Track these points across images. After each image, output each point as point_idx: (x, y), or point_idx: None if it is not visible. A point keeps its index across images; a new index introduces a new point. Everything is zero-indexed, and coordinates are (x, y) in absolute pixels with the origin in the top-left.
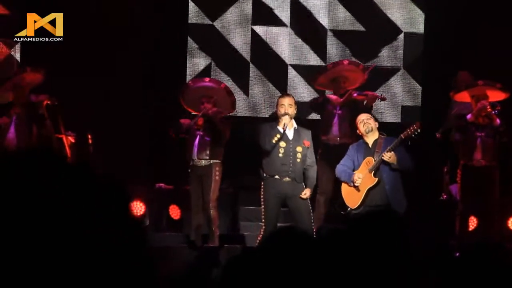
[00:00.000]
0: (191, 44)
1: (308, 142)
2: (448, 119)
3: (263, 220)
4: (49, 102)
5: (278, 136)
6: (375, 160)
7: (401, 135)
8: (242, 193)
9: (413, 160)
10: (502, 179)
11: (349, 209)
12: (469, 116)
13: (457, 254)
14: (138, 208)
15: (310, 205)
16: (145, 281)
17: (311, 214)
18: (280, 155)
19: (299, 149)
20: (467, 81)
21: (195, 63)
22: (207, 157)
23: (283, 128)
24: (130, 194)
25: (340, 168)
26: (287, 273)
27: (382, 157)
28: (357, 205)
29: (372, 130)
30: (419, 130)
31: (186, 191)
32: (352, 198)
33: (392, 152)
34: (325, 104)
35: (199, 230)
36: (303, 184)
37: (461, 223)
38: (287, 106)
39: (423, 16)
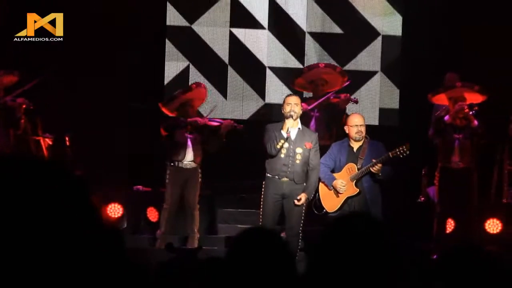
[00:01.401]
0: (169, 47)
1: (310, 144)
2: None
3: (260, 220)
4: (25, 106)
5: (283, 141)
6: (358, 168)
7: (390, 153)
8: (220, 195)
9: (394, 168)
10: (480, 181)
11: (324, 211)
12: (446, 117)
13: (435, 256)
14: (116, 210)
15: (304, 208)
16: (124, 282)
17: (302, 217)
18: (282, 155)
19: (299, 150)
20: (453, 82)
21: (173, 65)
22: (198, 160)
23: (287, 133)
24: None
25: (322, 168)
26: (259, 274)
27: (370, 169)
28: (334, 210)
29: (362, 138)
30: (408, 152)
31: (164, 194)
32: (330, 201)
33: (380, 164)
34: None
35: (167, 230)
36: (304, 184)
37: (438, 226)
38: (294, 104)
39: (401, 19)
